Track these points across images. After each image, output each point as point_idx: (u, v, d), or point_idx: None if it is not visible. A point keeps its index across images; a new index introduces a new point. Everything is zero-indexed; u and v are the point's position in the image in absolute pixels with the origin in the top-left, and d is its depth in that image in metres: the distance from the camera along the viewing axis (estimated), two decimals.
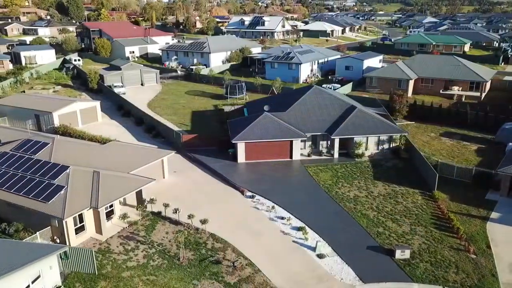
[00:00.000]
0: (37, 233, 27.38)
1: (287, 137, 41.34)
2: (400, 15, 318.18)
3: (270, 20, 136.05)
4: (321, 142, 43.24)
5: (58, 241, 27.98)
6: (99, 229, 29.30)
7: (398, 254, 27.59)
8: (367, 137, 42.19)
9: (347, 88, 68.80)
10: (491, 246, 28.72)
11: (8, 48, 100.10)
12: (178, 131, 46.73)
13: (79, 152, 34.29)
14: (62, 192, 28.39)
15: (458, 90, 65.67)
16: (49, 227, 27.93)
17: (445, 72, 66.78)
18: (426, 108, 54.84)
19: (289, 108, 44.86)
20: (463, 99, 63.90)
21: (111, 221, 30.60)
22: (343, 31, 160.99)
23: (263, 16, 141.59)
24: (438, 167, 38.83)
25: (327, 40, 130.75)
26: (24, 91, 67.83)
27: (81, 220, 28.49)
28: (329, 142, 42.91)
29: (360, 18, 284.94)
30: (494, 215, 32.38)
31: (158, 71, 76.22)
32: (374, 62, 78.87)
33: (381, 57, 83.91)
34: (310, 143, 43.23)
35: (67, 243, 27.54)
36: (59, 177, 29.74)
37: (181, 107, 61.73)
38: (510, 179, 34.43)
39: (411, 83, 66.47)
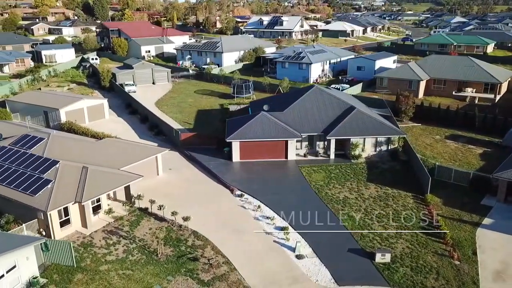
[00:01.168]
0: (24, 225, 28.34)
1: (282, 137, 41.18)
2: (428, 15, 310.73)
3: (288, 20, 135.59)
4: (318, 143, 42.83)
5: (44, 233, 28.87)
6: (84, 223, 30.04)
7: (379, 258, 27.07)
8: (364, 138, 41.50)
9: (357, 88, 67.84)
10: (478, 252, 27.79)
11: (31, 47, 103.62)
12: (177, 129, 47.24)
13: (73, 147, 35.21)
14: (49, 186, 29.26)
15: (472, 92, 63.70)
16: (36, 219, 28.86)
17: (458, 73, 64.87)
18: (433, 110, 53.47)
19: (287, 108, 44.64)
20: (476, 101, 61.90)
21: (98, 215, 31.30)
22: (364, 31, 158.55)
23: (281, 16, 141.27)
24: (435, 170, 37.90)
25: (345, 40, 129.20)
26: (40, 89, 70.14)
27: (67, 214, 29.26)
28: (326, 142, 42.44)
29: (386, 18, 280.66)
30: (486, 221, 31.28)
31: (170, 70, 77.22)
32: (387, 62, 77.39)
33: (395, 57, 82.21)
34: (306, 143, 42.90)
35: (52, 236, 28.41)
36: (49, 171, 30.66)
37: (187, 106, 62.38)
38: (506, 184, 33.16)
39: (422, 84, 64.88)
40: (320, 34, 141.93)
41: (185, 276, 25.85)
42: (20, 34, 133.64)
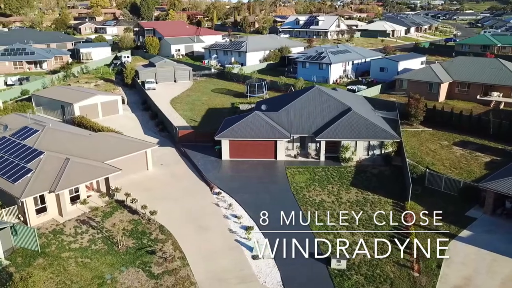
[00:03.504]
0: (3, 210, 30.42)
1: (271, 137, 40.93)
2: (487, 14, 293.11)
3: (324, 20, 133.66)
4: (309, 144, 42.14)
5: (22, 219, 30.83)
6: (61, 212, 31.70)
7: (334, 264, 26.34)
8: (356, 141, 40.26)
9: (375, 90, 65.75)
10: (443, 265, 26.19)
11: (73, 45, 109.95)
12: (176, 126, 48.33)
13: (64, 140, 37.12)
14: (29, 175, 31.19)
15: (498, 96, 59.63)
16: (16, 205, 30.91)
17: (485, 76, 60.91)
18: (446, 114, 50.67)
19: (282, 108, 44.25)
20: (502, 106, 57.89)
21: (76, 205, 32.89)
22: (407, 31, 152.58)
23: (317, 16, 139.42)
24: (426, 178, 36.11)
25: (382, 41, 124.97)
26: (69, 84, 74.41)
27: (43, 202, 31.02)
28: (317, 144, 41.66)
29: (441, 18, 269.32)
30: (464, 233, 29.39)
31: (191, 68, 78.93)
32: (413, 63, 74.11)
33: (423, 58, 78.60)
34: (298, 144, 42.36)
35: (28, 222, 30.28)
36: (33, 161, 32.66)
37: (200, 104, 63.45)
38: (494, 196, 30.89)
39: (443, 87, 61.55)
40: (358, 34, 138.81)
41: (138, 268, 26.61)
42: (69, 33, 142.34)
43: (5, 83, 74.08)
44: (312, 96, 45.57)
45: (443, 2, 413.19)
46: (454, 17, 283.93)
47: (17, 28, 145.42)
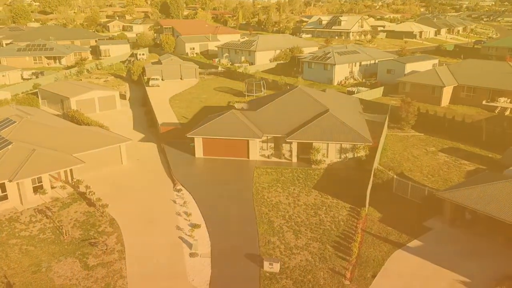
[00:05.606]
0: None
1: (242, 136, 40.63)
2: None
3: (347, 20, 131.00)
4: (284, 145, 41.49)
5: None
6: (21, 200, 32.95)
7: (266, 266, 25.84)
8: (328, 143, 39.24)
9: (377, 92, 63.92)
10: (378, 275, 25.07)
11: (96, 42, 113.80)
12: (160, 123, 49.00)
13: (39, 132, 38.42)
14: None
15: (506, 102, 56.30)
16: None
17: (492, 80, 57.66)
18: (439, 119, 48.42)
19: (261, 108, 43.87)
20: (508, 112, 54.63)
21: (39, 195, 34.06)
22: (437, 33, 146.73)
23: (340, 16, 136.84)
24: (393, 184, 34.72)
25: (405, 42, 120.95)
26: (81, 79, 77.20)
27: (4, 190, 32.35)
28: (291, 145, 40.96)
29: (484, 19, 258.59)
30: (413, 243, 27.98)
31: (198, 66, 79.74)
32: (423, 66, 71.14)
33: (435, 61, 75.42)
34: (272, 144, 41.84)
35: None
36: (0, 151, 34.12)
37: (198, 101, 64.02)
38: (453, 206, 29.20)
39: (447, 90, 58.79)
40: (384, 35, 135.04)
41: (76, 258, 27.19)
42: (98, 30, 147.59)
43: (22, 77, 77.79)
44: (293, 97, 44.87)
45: (493, 3, 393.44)
46: (499, 19, 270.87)
47: (52, 25, 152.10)
